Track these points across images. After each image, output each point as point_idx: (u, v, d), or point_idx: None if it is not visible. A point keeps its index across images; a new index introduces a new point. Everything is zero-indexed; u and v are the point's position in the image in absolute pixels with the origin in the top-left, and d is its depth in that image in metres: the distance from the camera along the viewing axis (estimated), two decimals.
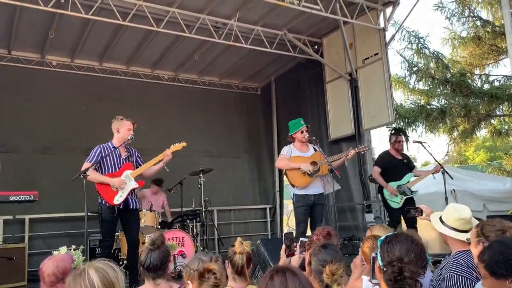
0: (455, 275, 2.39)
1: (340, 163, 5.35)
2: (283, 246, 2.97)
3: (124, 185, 4.69)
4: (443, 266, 2.59)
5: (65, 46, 7.84)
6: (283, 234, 3.11)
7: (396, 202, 5.86)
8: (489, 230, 2.30)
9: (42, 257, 2.47)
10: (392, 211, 5.94)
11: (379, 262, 1.87)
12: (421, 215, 3.17)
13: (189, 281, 2.11)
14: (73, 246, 2.42)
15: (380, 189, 6.17)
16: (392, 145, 6.15)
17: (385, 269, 1.82)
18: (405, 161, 6.18)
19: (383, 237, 1.94)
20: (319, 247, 2.47)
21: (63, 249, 2.40)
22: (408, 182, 5.95)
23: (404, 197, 5.85)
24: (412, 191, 5.91)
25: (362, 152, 6.24)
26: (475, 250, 2.34)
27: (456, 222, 2.62)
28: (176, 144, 5.12)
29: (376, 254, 1.93)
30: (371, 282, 2.29)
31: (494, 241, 2.03)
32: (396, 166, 6.07)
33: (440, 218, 2.78)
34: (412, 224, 5.57)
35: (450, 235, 2.63)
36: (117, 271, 1.68)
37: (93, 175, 4.62)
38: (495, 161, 16.61)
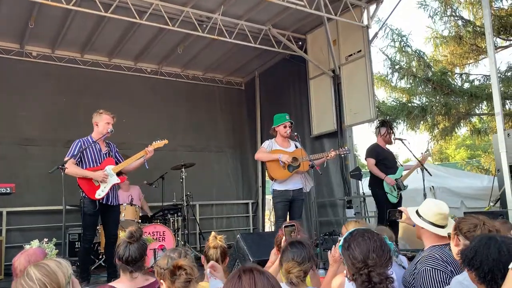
0: (430, 269, 2.43)
1: (320, 163, 5.37)
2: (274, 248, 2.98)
3: (106, 178, 4.65)
4: (418, 261, 2.62)
5: (46, 36, 7.69)
6: (284, 227, 3.02)
7: (395, 196, 5.73)
8: (464, 224, 2.36)
9: (20, 250, 2.42)
10: (388, 205, 5.67)
11: (346, 267, 1.90)
12: (401, 218, 3.21)
13: (162, 281, 2.11)
14: (45, 239, 2.38)
15: (373, 183, 5.98)
16: (383, 136, 6.02)
17: (354, 278, 1.84)
18: (392, 153, 6.14)
19: (341, 242, 1.94)
20: (287, 244, 2.49)
21: (34, 243, 2.36)
22: (401, 176, 5.89)
23: (400, 192, 5.79)
24: (404, 186, 5.82)
25: (343, 155, 6.29)
26: (452, 243, 2.40)
27: (434, 216, 2.66)
28: (158, 141, 5.12)
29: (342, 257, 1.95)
30: (347, 278, 2.33)
31: (480, 236, 2.07)
32: (388, 158, 5.99)
33: (417, 212, 2.82)
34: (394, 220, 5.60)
35: (428, 229, 2.67)
36: (61, 260, 1.68)
37: (74, 170, 4.57)
38: (474, 159, 16.95)
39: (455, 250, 2.37)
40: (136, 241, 2.56)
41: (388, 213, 3.22)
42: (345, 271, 2.00)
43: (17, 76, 7.76)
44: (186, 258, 2.15)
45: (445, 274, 2.41)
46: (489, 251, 1.80)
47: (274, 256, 3.02)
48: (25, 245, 2.29)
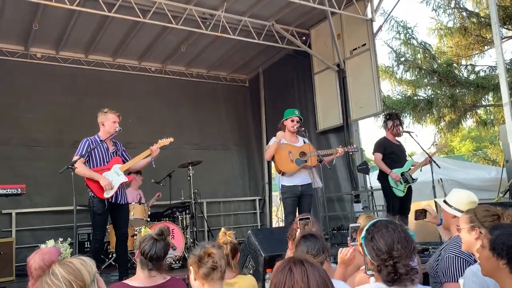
0: (454, 256, 2.45)
1: (329, 160, 5.36)
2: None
3: (111, 187, 4.63)
4: (443, 248, 2.65)
5: (50, 38, 7.70)
6: (298, 219, 3.05)
7: (401, 190, 5.69)
8: (484, 215, 2.32)
9: (30, 251, 2.43)
10: (394, 199, 5.70)
11: (369, 258, 1.85)
12: (425, 217, 3.19)
13: (191, 267, 2.14)
14: (60, 239, 2.39)
15: (381, 177, 5.94)
16: (390, 130, 5.96)
17: (379, 269, 1.79)
18: (402, 146, 6.09)
19: (364, 233, 1.90)
20: (300, 238, 2.50)
21: (50, 242, 2.36)
22: (410, 169, 5.82)
23: (407, 185, 5.74)
24: (413, 179, 5.77)
25: (351, 153, 6.27)
26: (468, 236, 2.35)
27: (467, 205, 2.63)
28: (164, 139, 5.08)
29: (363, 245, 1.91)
30: (366, 274, 2.32)
31: (507, 223, 2.04)
32: (396, 152, 5.92)
33: (446, 202, 2.81)
34: (405, 213, 5.59)
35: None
36: (85, 259, 1.70)
37: (82, 170, 4.56)
38: (480, 151, 16.86)
39: (472, 243, 2.32)
40: (164, 240, 2.56)
41: (414, 213, 3.19)
42: (365, 266, 1.98)
43: (22, 78, 7.78)
44: (220, 249, 2.16)
45: (467, 263, 2.41)
46: None
47: (290, 252, 3.01)
48: (39, 245, 2.29)
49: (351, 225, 2.92)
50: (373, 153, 6.10)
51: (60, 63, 8.23)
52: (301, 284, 1.43)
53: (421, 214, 3.14)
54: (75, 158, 4.56)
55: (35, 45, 7.91)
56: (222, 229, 2.78)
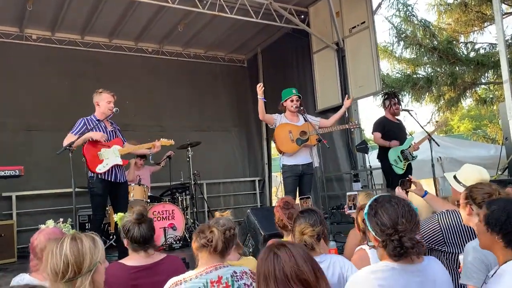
0: (438, 214, 2.62)
1: (339, 117, 5.55)
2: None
3: (104, 137, 4.67)
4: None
5: (45, 19, 7.59)
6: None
7: (400, 168, 5.71)
8: (476, 193, 2.33)
9: (31, 233, 2.46)
10: (394, 176, 5.68)
11: (372, 234, 1.84)
12: (409, 187, 3.20)
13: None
14: (61, 219, 2.41)
15: (381, 155, 5.96)
16: (388, 109, 5.98)
17: (384, 244, 1.78)
18: (401, 124, 6.09)
19: (367, 209, 1.89)
20: (298, 213, 2.54)
21: (50, 223, 2.39)
22: (410, 146, 5.84)
23: (407, 163, 5.76)
24: (413, 156, 5.79)
25: (352, 129, 6.29)
26: (463, 212, 2.39)
27: (475, 182, 2.64)
28: (166, 139, 5.24)
29: (365, 221, 1.91)
30: (368, 245, 2.34)
31: (503, 198, 2.05)
32: (395, 130, 5.94)
33: (455, 178, 2.81)
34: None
35: None
36: (97, 242, 1.72)
37: (76, 141, 4.58)
38: (479, 130, 16.86)
39: (466, 218, 2.37)
40: (146, 220, 2.58)
41: (399, 182, 3.20)
42: (366, 243, 1.98)
43: (18, 61, 7.71)
44: (220, 230, 2.14)
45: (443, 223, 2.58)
46: None
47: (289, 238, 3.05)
48: (40, 226, 2.31)
49: (348, 193, 2.95)
50: (372, 133, 6.10)
51: (56, 44, 8.14)
52: (290, 264, 1.44)
53: (407, 183, 3.16)
54: (69, 136, 4.60)
55: (30, 27, 7.80)
56: (216, 213, 2.73)
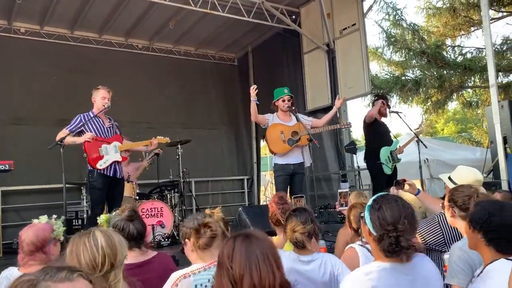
0: (432, 217, 2.69)
1: (331, 117, 5.60)
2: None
3: (92, 136, 4.70)
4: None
5: (34, 12, 7.50)
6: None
7: (389, 168, 5.77)
8: (457, 196, 2.41)
9: (17, 229, 2.44)
10: (382, 178, 5.73)
11: (370, 229, 1.86)
12: (403, 188, 3.26)
13: (186, 240, 2.17)
14: (54, 216, 2.39)
15: (368, 156, 5.99)
16: (378, 110, 5.98)
17: (380, 239, 1.80)
18: (387, 126, 6.13)
19: (371, 202, 1.91)
20: (291, 211, 2.58)
21: (43, 218, 2.37)
22: (397, 149, 5.91)
23: (394, 164, 5.82)
24: (398, 159, 5.87)
25: (344, 128, 6.34)
26: (448, 214, 2.46)
27: (473, 183, 2.68)
28: (162, 137, 5.45)
29: (364, 216, 1.93)
30: (362, 241, 2.38)
31: (489, 200, 2.11)
32: (382, 131, 5.99)
33: (450, 179, 2.88)
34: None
35: None
36: (122, 238, 1.72)
37: (70, 139, 4.63)
38: (465, 133, 17.12)
39: (450, 220, 2.45)
40: (138, 217, 2.58)
41: (394, 183, 3.26)
42: (361, 239, 2.01)
43: (6, 54, 7.60)
44: (211, 218, 2.18)
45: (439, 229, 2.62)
46: (505, 214, 1.84)
47: (281, 236, 3.07)
48: (33, 219, 2.29)
49: (339, 190, 3.00)
50: (364, 119, 6.03)
51: (45, 38, 8.04)
52: (239, 257, 1.46)
53: (400, 184, 3.22)
54: (63, 131, 4.62)
55: (18, 20, 7.70)
56: (207, 211, 2.71)
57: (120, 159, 4.87)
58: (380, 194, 1.95)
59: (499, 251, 1.83)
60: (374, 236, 1.82)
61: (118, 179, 4.90)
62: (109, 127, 4.94)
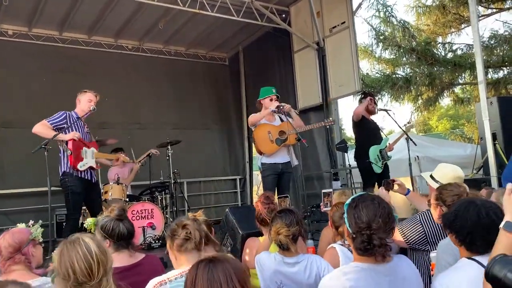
0: (418, 215, 2.69)
1: (296, 117, 5.46)
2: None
3: (78, 136, 4.68)
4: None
5: (22, 14, 7.43)
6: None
7: (379, 166, 5.76)
8: (446, 194, 2.40)
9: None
10: (372, 175, 5.74)
11: (347, 227, 1.87)
12: (393, 188, 3.27)
13: (168, 243, 2.17)
14: (31, 221, 2.41)
15: (358, 155, 5.98)
16: (366, 107, 6.00)
17: (354, 236, 1.82)
18: (376, 124, 6.13)
19: (349, 201, 1.93)
20: (276, 212, 2.58)
21: (21, 225, 2.41)
22: (386, 147, 5.91)
23: (384, 162, 5.81)
24: (388, 156, 5.86)
25: (328, 126, 6.32)
26: (435, 212, 2.46)
27: (453, 180, 2.71)
28: (127, 158, 5.82)
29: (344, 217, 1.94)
30: (343, 241, 2.38)
31: (466, 200, 2.12)
32: (372, 128, 5.99)
33: (432, 177, 2.87)
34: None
35: None
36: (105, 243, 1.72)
37: (45, 131, 4.56)
38: (457, 129, 17.19)
39: (437, 218, 2.44)
40: (126, 218, 2.58)
41: (382, 183, 3.26)
42: (343, 240, 2.00)
43: None
44: (194, 221, 2.16)
45: (422, 229, 2.60)
46: (468, 215, 1.85)
47: (266, 236, 3.05)
48: (11, 227, 2.31)
49: (323, 191, 3.00)
50: (352, 118, 6.02)
51: (33, 40, 7.98)
52: (201, 283, 1.44)
53: (389, 184, 3.22)
54: (43, 123, 4.59)
55: (6, 22, 7.64)
56: (189, 213, 2.71)
57: (94, 166, 4.85)
58: (359, 193, 1.97)
59: (469, 250, 1.84)
60: (350, 234, 1.83)
61: (94, 183, 4.91)
62: (88, 132, 4.93)
